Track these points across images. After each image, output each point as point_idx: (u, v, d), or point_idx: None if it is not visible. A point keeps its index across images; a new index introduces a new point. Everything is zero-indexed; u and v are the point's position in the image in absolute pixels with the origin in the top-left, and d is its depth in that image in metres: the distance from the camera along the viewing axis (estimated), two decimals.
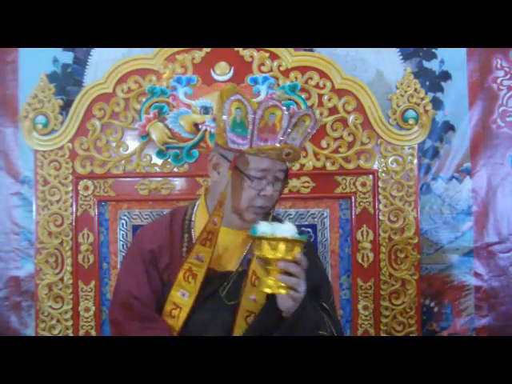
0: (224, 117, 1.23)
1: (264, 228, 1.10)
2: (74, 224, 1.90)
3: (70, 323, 1.91)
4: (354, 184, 1.89)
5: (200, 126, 1.87)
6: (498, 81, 1.96)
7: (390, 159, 1.89)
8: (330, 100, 1.88)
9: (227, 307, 1.29)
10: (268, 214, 1.34)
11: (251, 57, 1.89)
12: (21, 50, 1.96)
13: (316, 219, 1.92)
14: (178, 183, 1.91)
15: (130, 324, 1.27)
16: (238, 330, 1.25)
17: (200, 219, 1.34)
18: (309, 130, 1.28)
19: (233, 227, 1.31)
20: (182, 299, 1.28)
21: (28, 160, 1.95)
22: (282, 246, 1.09)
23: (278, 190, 1.29)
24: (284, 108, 1.20)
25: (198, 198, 1.39)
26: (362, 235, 1.89)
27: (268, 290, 1.12)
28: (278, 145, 1.22)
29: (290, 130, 1.22)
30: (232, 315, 1.27)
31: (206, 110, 1.87)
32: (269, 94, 1.87)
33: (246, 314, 1.28)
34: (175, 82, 1.88)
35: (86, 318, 1.91)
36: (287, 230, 1.09)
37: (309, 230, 1.89)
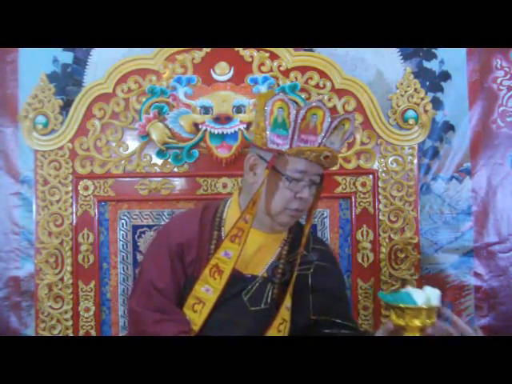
0: (265, 116, 1.23)
1: (421, 297, 1.07)
2: (74, 224, 1.90)
3: (69, 323, 1.91)
4: (353, 184, 1.89)
5: (200, 126, 1.87)
6: (498, 81, 1.96)
7: (390, 159, 1.89)
8: (329, 100, 1.88)
9: (249, 312, 1.29)
10: (302, 229, 1.36)
11: (251, 57, 1.89)
12: (21, 49, 1.96)
13: (316, 219, 1.92)
14: (178, 183, 1.91)
15: (147, 314, 1.27)
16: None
17: (231, 218, 1.33)
18: (347, 136, 1.28)
19: (264, 230, 1.31)
20: (205, 294, 1.28)
21: (28, 160, 1.95)
22: (434, 313, 1.09)
23: (313, 194, 1.28)
24: (326, 109, 1.20)
25: (230, 197, 1.39)
26: (362, 235, 1.89)
27: None
28: (318, 147, 1.22)
29: (329, 133, 1.22)
30: (256, 321, 1.28)
31: (206, 110, 1.87)
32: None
33: (281, 321, 1.28)
34: (175, 82, 1.88)
35: (86, 317, 1.91)
36: (437, 295, 1.08)
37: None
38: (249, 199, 1.28)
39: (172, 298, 1.30)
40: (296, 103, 1.83)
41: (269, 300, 1.30)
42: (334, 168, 1.89)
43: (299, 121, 1.20)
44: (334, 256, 1.51)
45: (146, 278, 1.31)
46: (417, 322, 1.08)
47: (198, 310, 1.28)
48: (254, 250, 1.31)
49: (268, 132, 1.23)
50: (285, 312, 1.29)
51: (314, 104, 1.21)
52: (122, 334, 1.92)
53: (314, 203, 1.33)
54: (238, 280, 1.29)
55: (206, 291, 1.28)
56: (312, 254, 1.36)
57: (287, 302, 1.29)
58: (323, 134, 1.21)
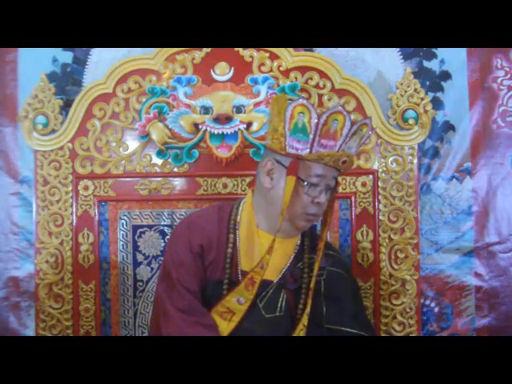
0: (285, 120, 1.22)
1: None
2: (74, 224, 1.90)
3: (69, 323, 1.91)
4: (353, 184, 1.89)
5: (200, 126, 1.87)
6: (499, 81, 1.95)
7: (390, 159, 1.89)
8: (329, 100, 1.88)
9: (265, 320, 1.29)
10: (313, 233, 1.38)
11: (251, 57, 1.89)
12: (20, 49, 1.96)
13: None
14: (178, 183, 1.91)
15: (180, 315, 1.25)
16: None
17: (245, 221, 1.33)
18: (363, 140, 1.29)
19: (280, 235, 1.30)
20: (236, 305, 1.28)
21: (27, 160, 1.95)
22: None
23: (328, 199, 1.29)
24: (347, 114, 1.20)
25: (243, 199, 1.39)
26: (362, 235, 1.89)
27: None
28: (336, 151, 1.22)
29: (348, 138, 1.22)
30: (272, 329, 1.27)
31: (205, 109, 1.87)
32: (269, 94, 1.87)
33: (302, 327, 1.28)
34: (175, 81, 1.88)
35: (86, 317, 1.91)
36: None
37: None
38: (264, 203, 1.30)
39: (199, 299, 1.30)
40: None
41: (283, 307, 1.30)
42: None
43: (320, 126, 1.20)
44: (347, 262, 1.50)
45: (173, 277, 1.29)
46: None
47: (227, 318, 1.28)
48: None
49: (287, 137, 1.23)
50: (305, 318, 1.29)
51: (335, 109, 1.21)
52: (121, 334, 1.92)
53: (330, 208, 1.33)
54: None
55: (238, 302, 1.28)
56: (324, 260, 1.35)
57: (308, 307, 1.29)
58: (342, 139, 1.22)
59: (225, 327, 1.28)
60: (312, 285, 1.30)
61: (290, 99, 1.83)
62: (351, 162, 1.26)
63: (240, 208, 1.36)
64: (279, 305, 1.30)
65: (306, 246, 1.37)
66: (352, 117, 1.86)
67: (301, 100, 1.23)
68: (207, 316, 1.28)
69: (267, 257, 1.26)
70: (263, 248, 1.29)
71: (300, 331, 1.28)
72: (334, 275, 1.36)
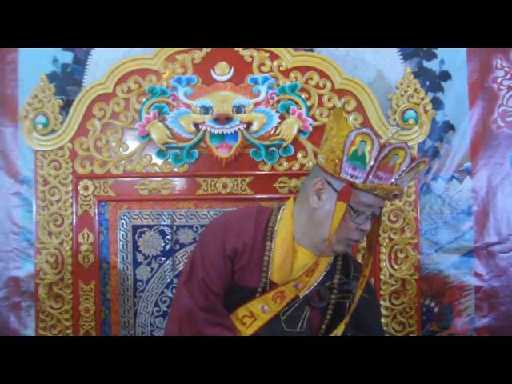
0: (345, 145, 1.20)
1: None
2: (74, 224, 1.90)
3: (69, 323, 1.91)
4: None
5: (200, 126, 1.87)
6: (498, 81, 1.95)
7: None
8: (329, 100, 1.88)
9: (284, 334, 1.27)
10: (346, 255, 1.38)
11: (251, 57, 1.89)
12: (20, 49, 1.96)
13: None
14: (178, 183, 1.91)
15: (203, 315, 1.24)
16: None
17: (283, 231, 1.31)
18: (417, 175, 1.29)
19: (313, 251, 1.30)
20: (260, 311, 1.27)
21: (27, 160, 1.95)
22: None
23: (371, 226, 1.28)
24: (409, 150, 1.19)
25: (282, 205, 1.37)
26: None
27: None
28: (390, 185, 1.22)
29: (404, 174, 1.22)
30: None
31: (205, 110, 1.87)
32: (268, 94, 1.87)
33: None
34: (175, 81, 1.88)
35: (86, 317, 1.91)
36: None
37: None
38: (305, 219, 1.29)
39: (222, 302, 1.29)
40: (296, 103, 1.85)
41: (304, 324, 1.29)
42: None
43: (380, 158, 1.19)
44: (373, 286, 1.49)
45: (199, 276, 1.27)
46: None
47: (246, 323, 1.27)
48: (299, 269, 1.30)
49: (344, 161, 1.22)
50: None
51: (398, 145, 1.20)
52: (121, 334, 1.92)
53: (375, 235, 1.33)
54: None
55: (262, 309, 1.27)
56: (354, 284, 1.34)
57: (340, 329, 1.28)
58: (398, 174, 1.21)
59: (243, 331, 1.27)
60: (350, 311, 1.29)
61: (290, 99, 1.86)
62: (401, 195, 1.26)
63: (279, 215, 1.34)
64: (301, 321, 1.29)
65: (339, 267, 1.36)
66: (351, 117, 1.87)
67: (365, 129, 1.21)
68: (229, 319, 1.27)
69: (305, 279, 1.26)
70: (297, 261, 1.28)
71: None
72: (360, 300, 1.33)
